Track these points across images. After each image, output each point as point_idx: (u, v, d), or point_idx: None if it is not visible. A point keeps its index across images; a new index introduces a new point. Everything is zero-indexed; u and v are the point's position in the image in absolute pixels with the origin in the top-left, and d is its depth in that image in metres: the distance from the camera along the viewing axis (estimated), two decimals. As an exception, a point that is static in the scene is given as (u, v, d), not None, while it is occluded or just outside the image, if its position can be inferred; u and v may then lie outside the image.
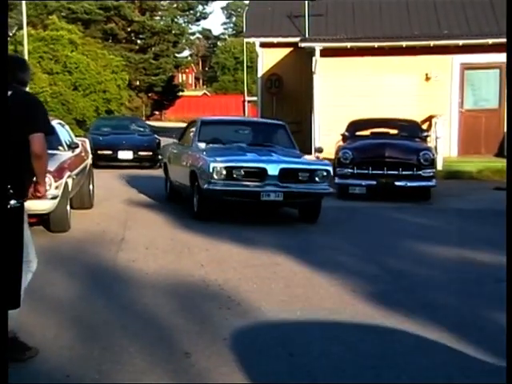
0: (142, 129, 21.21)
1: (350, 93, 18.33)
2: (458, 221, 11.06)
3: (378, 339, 5.25)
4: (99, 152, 17.92)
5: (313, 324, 5.58)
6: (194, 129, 11.81)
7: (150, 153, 18.86)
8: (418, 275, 7.42)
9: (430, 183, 13.12)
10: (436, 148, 15.75)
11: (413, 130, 14.91)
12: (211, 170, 9.82)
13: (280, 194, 9.84)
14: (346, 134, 14.87)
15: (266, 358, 4.76)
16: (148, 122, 47.16)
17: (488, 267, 7.61)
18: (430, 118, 18.00)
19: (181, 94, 50.58)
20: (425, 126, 16.99)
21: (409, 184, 13.00)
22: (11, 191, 4.31)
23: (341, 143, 14.51)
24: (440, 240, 9.33)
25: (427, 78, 18.63)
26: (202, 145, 10.93)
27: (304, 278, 7.11)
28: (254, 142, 11.53)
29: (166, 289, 6.54)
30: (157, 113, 50.80)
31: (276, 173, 9.85)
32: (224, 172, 9.84)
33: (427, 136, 15.22)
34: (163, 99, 46.44)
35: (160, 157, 13.80)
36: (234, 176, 9.89)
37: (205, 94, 71.80)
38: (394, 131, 14.98)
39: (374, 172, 13.12)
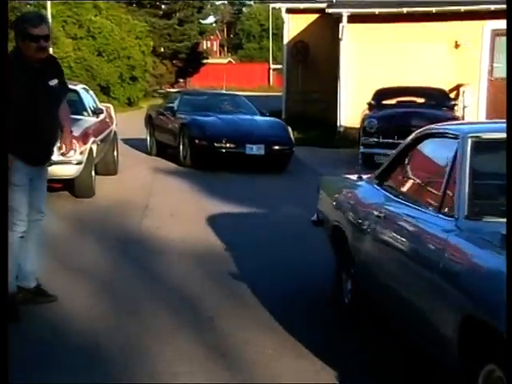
0: (243, 109, 14.16)
1: (378, 60, 18.05)
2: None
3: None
4: (216, 145, 12.11)
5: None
6: (440, 158, 4.23)
7: (286, 147, 12.63)
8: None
9: (456, 153, 12.88)
10: (463, 117, 15.53)
11: (440, 99, 14.71)
12: None
13: None
14: (372, 102, 14.70)
15: (290, 323, 4.75)
16: (172, 90, 47.41)
17: None
18: (458, 87, 17.72)
19: (205, 61, 50.32)
20: (453, 95, 16.74)
21: (435, 153, 12.79)
22: None
23: (367, 112, 14.35)
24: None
25: (457, 46, 18.28)
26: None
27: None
28: None
29: (191, 255, 6.53)
30: (181, 80, 50.58)
31: None
32: None
33: (455, 105, 15.03)
34: (188, 66, 46.17)
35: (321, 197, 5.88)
36: None
37: (230, 61, 71.39)
38: (420, 100, 14.80)
39: (399, 141, 12.89)
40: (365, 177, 5.24)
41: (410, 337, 3.84)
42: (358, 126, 14.41)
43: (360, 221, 4.58)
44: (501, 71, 18.37)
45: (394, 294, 3.96)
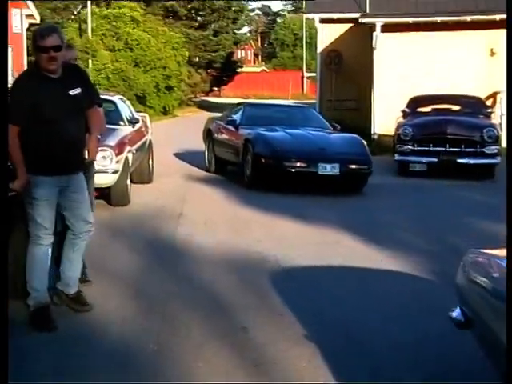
0: (313, 123, 12.70)
1: (412, 69, 17.97)
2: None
3: (442, 320, 5.15)
4: (285, 163, 10.69)
5: (372, 304, 5.51)
6: None
7: (364, 166, 11.13)
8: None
9: (494, 160, 12.85)
10: (501, 125, 15.37)
11: (476, 107, 14.59)
12: None
13: None
14: (407, 110, 14.65)
15: (324, 335, 4.73)
16: (207, 98, 47.63)
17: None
18: (494, 95, 17.54)
19: (239, 70, 50.52)
20: (489, 103, 16.58)
21: (472, 161, 12.74)
22: None
23: (401, 120, 14.30)
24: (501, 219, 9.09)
25: (492, 53, 18.12)
26: None
27: (364, 256, 7.03)
28: None
29: (224, 264, 6.56)
30: (215, 89, 50.87)
31: None
32: None
33: (491, 112, 14.89)
34: (222, 75, 46.47)
35: None
36: None
37: (263, 70, 71.49)
38: (456, 107, 14.70)
39: (435, 149, 12.92)
40: None
41: None
42: (391, 133, 14.37)
43: None
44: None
45: None
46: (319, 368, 4.15)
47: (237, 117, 12.61)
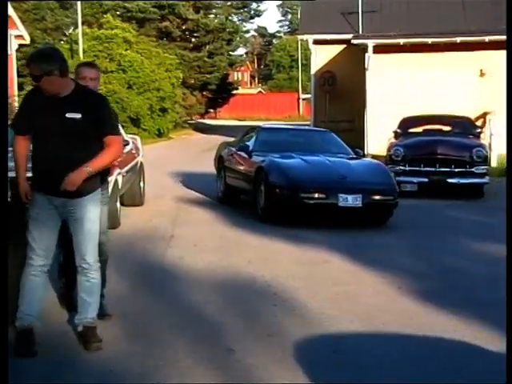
0: (334, 149, 11.56)
1: (403, 89, 18.14)
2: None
3: (424, 339, 5.19)
4: (302, 194, 9.69)
5: (358, 321, 5.53)
6: None
7: (389, 197, 10.06)
8: (470, 273, 7.29)
9: (482, 180, 12.97)
10: (490, 145, 15.50)
11: (466, 127, 14.73)
12: None
13: None
14: (398, 130, 14.76)
15: (313, 355, 4.75)
16: (202, 120, 47.75)
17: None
18: (484, 115, 17.69)
19: (235, 91, 50.68)
20: (479, 123, 16.72)
21: (461, 181, 12.85)
22: None
23: (393, 140, 14.41)
24: (493, 238, 9.13)
25: (482, 74, 18.32)
26: None
27: (352, 276, 7.06)
28: None
29: (214, 285, 6.57)
30: (211, 111, 51.04)
31: None
32: None
33: (481, 133, 15.03)
34: (218, 97, 46.60)
35: None
36: None
37: (260, 91, 71.86)
38: (446, 128, 14.83)
39: (425, 169, 13.02)
40: None
41: None
42: (384, 153, 14.47)
43: None
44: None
45: None
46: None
47: (250, 142, 11.60)
